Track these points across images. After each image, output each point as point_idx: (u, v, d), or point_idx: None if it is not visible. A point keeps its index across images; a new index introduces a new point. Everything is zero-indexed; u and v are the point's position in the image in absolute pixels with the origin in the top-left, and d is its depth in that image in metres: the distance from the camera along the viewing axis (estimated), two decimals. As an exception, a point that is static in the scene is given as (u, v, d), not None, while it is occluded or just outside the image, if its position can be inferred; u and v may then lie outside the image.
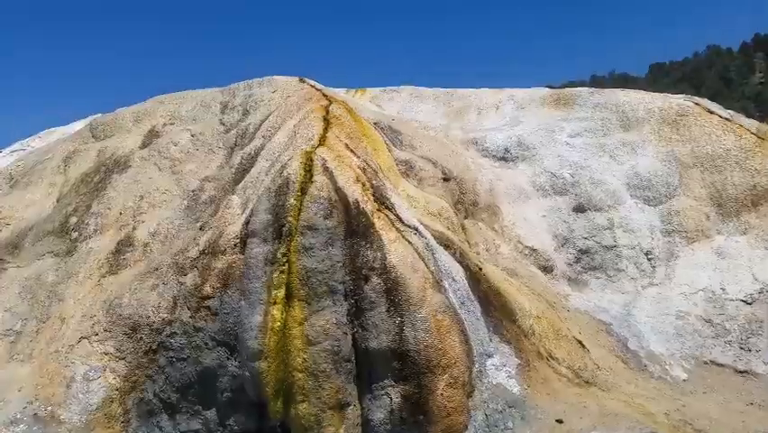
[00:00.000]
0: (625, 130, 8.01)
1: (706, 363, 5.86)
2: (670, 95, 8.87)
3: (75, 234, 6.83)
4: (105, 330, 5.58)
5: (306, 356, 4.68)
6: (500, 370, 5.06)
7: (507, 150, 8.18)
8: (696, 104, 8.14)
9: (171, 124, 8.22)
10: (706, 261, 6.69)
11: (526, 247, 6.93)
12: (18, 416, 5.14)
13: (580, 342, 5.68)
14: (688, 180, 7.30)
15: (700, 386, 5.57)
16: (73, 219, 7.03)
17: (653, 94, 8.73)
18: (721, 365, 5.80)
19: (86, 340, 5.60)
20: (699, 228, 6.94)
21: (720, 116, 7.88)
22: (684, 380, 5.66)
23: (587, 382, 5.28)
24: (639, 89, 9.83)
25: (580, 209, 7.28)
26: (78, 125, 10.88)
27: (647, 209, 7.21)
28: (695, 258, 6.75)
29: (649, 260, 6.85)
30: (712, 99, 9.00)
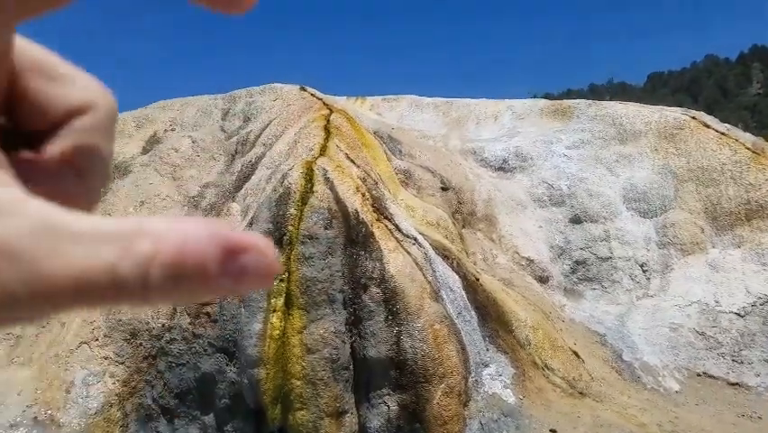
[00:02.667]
0: (622, 143, 8.11)
1: (699, 374, 5.93)
2: (667, 108, 8.97)
3: (76, 239, 6.89)
4: (105, 335, 5.62)
5: (304, 364, 4.73)
6: (496, 379, 5.13)
7: (505, 160, 8.27)
8: (692, 117, 8.25)
9: (172, 129, 8.29)
10: (700, 273, 6.77)
11: (523, 257, 7.01)
12: (18, 419, 5.18)
13: (575, 352, 5.75)
14: (683, 193, 7.40)
15: (693, 398, 5.64)
16: (74, 224, 7.09)
17: (650, 107, 8.83)
18: (714, 377, 5.88)
19: (85, 345, 5.64)
20: (694, 241, 7.03)
21: (716, 130, 7.98)
22: (677, 391, 5.73)
23: (581, 393, 5.35)
24: (637, 99, 9.98)
25: (576, 221, 7.37)
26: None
27: (643, 221, 7.31)
28: (689, 270, 6.83)
29: (644, 272, 6.94)
30: (709, 109, 9.16)
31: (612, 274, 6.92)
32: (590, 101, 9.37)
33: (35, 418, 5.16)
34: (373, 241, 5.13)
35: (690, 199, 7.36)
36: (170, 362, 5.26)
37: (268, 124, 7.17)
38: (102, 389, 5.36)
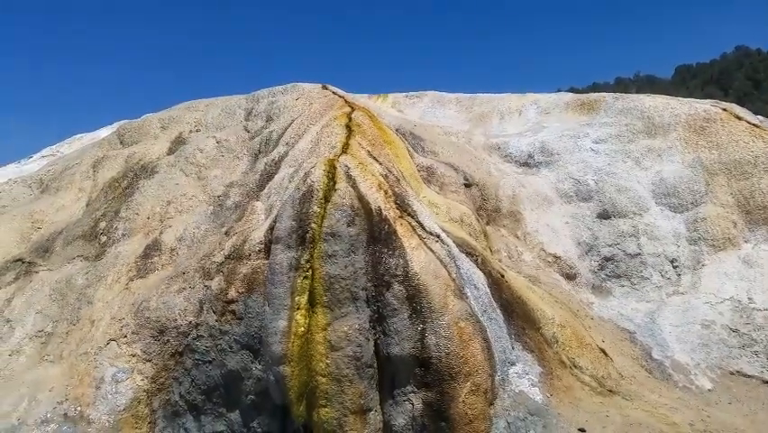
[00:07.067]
0: (650, 136, 7.92)
1: (732, 373, 5.77)
2: (696, 100, 8.75)
3: (104, 239, 7.01)
4: (133, 333, 5.71)
5: (328, 361, 4.73)
6: (523, 378, 5.05)
7: (530, 155, 8.15)
8: (723, 109, 8.02)
9: (197, 130, 8.38)
10: (733, 269, 6.57)
11: (549, 254, 6.90)
12: (49, 415, 5.28)
13: (603, 350, 5.64)
14: (714, 187, 7.19)
15: (726, 397, 5.49)
16: (102, 224, 7.21)
17: (679, 99, 8.62)
18: (747, 376, 5.70)
19: (114, 342, 5.73)
20: (726, 236, 6.83)
21: (748, 122, 7.75)
22: (709, 390, 5.58)
23: (610, 391, 5.24)
24: (665, 92, 9.76)
25: (604, 216, 7.21)
26: (105, 131, 11.16)
27: (673, 216, 7.12)
28: (722, 266, 6.64)
29: (674, 268, 6.77)
30: (740, 101, 8.91)
31: (641, 271, 6.76)
32: (617, 94, 9.18)
33: (66, 414, 5.27)
34: (396, 238, 5.10)
35: (722, 193, 7.15)
36: (197, 359, 5.32)
37: (290, 123, 7.19)
38: (130, 385, 5.44)
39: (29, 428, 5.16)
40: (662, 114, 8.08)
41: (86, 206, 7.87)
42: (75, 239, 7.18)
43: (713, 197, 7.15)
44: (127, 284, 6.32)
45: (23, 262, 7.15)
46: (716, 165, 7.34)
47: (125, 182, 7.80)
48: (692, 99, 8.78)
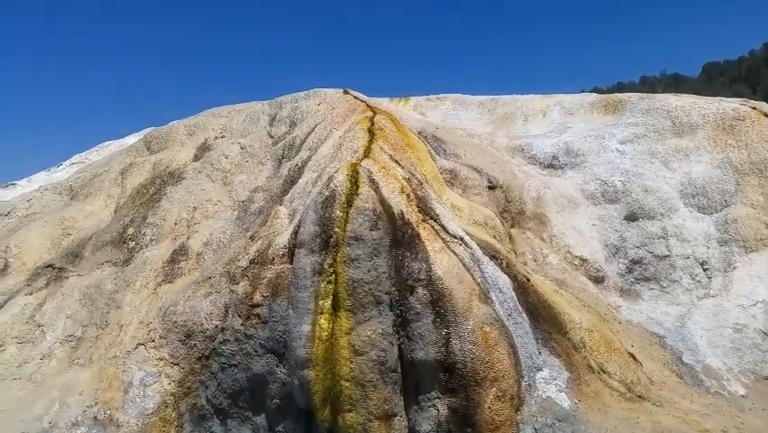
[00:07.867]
0: (678, 136, 7.76)
1: (766, 378, 5.60)
2: (725, 99, 8.55)
3: (132, 244, 7.12)
4: (161, 337, 5.78)
5: (353, 366, 4.73)
6: (550, 383, 4.98)
7: (554, 157, 8.04)
8: (753, 108, 7.82)
9: (222, 137, 8.48)
10: (765, 271, 6.38)
11: (576, 257, 6.79)
12: (79, 419, 5.38)
13: (632, 355, 5.53)
14: (745, 187, 7.01)
15: (760, 402, 5.33)
16: (130, 230, 7.33)
17: (707, 98, 8.43)
18: (783, 381, 5.54)
19: (142, 346, 5.82)
20: (758, 237, 6.65)
21: (780, 120, 7.54)
22: (742, 396, 5.43)
23: (640, 397, 5.13)
24: (692, 90, 9.57)
25: (631, 218, 7.08)
26: (133, 139, 11.36)
27: (702, 218, 6.96)
28: (753, 268, 6.46)
29: (705, 270, 6.61)
30: (768, 100, 8.68)
31: (671, 273, 6.62)
32: (643, 94, 9.01)
33: (95, 417, 5.36)
34: (419, 242, 5.08)
35: (753, 194, 6.97)
36: (223, 363, 5.36)
37: (313, 128, 7.23)
38: (158, 389, 5.51)
39: (60, 431, 5.26)
40: (689, 113, 7.91)
41: (115, 212, 8.01)
42: (104, 245, 7.32)
43: (743, 197, 6.97)
44: (155, 289, 6.41)
45: (54, 268, 7.30)
46: (746, 165, 7.16)
47: (153, 189, 7.93)
48: (720, 98, 8.57)
